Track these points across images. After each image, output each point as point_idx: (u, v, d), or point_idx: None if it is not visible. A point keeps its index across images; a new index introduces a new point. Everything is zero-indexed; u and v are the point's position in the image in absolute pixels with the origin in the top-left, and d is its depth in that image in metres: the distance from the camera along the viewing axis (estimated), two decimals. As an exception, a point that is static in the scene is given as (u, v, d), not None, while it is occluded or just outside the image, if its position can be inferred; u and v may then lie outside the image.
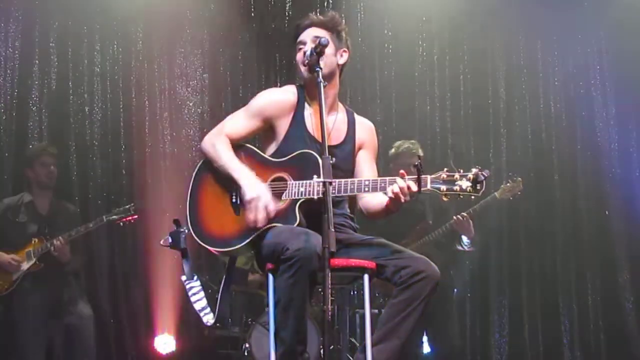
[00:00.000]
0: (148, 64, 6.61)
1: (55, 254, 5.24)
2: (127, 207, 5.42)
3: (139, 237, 6.29)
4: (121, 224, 5.49)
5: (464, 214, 5.17)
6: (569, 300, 6.33)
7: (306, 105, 3.42)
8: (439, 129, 6.65)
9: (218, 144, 3.33)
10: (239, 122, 3.42)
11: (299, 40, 3.42)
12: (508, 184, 5.27)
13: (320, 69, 3.12)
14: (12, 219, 5.36)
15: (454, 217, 5.17)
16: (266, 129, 3.42)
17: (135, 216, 5.46)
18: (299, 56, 3.37)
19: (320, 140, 3.29)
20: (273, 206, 3.13)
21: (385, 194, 3.06)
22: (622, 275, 6.26)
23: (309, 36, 3.39)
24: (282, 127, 3.37)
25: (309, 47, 3.29)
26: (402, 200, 3.02)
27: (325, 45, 3.14)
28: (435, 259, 5.13)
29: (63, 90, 6.39)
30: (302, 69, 3.31)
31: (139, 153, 6.47)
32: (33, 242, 5.26)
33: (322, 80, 3.08)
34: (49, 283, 5.34)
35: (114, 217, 5.38)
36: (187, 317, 6.15)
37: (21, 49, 6.30)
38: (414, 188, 2.99)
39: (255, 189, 3.16)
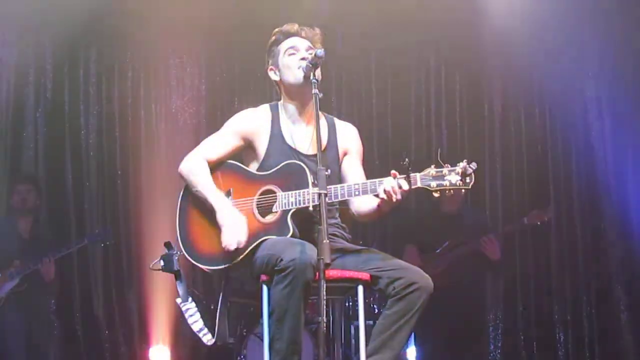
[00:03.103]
0: (144, 73, 6.62)
1: (42, 272, 5.35)
2: (107, 228, 5.55)
3: (134, 247, 6.30)
4: (102, 245, 5.63)
5: (491, 236, 5.19)
6: (563, 311, 6.33)
7: (282, 119, 3.44)
8: (434, 139, 6.65)
9: (195, 169, 3.35)
10: (217, 144, 3.44)
11: (292, 45, 3.43)
12: (539, 211, 5.29)
13: (317, 80, 3.14)
14: None
15: (482, 239, 5.19)
16: (245, 148, 3.44)
17: (112, 240, 5.73)
18: (293, 60, 3.38)
19: (301, 151, 3.35)
20: (245, 236, 3.14)
21: (377, 195, 3.06)
22: (617, 287, 6.26)
23: (302, 45, 3.41)
24: (262, 144, 3.39)
25: (304, 55, 3.33)
26: (394, 200, 3.03)
27: (322, 58, 3.17)
28: (466, 275, 5.22)
29: (58, 98, 6.41)
30: (297, 74, 3.32)
31: (134, 162, 6.47)
32: (14, 263, 5.35)
33: (318, 91, 3.11)
34: (32, 303, 5.48)
35: (95, 239, 5.50)
36: (182, 328, 6.13)
37: (17, 58, 6.32)
38: (405, 187, 2.99)
39: (229, 216, 3.18)
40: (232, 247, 3.13)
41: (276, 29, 3.53)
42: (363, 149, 3.59)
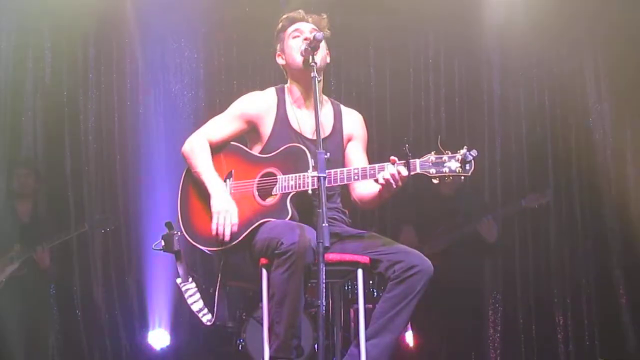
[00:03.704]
0: (142, 57, 6.58)
1: (36, 260, 5.40)
2: (106, 215, 5.56)
3: (133, 232, 6.29)
4: (102, 231, 5.69)
5: (489, 217, 5.19)
6: (563, 295, 6.33)
7: (288, 103, 3.44)
8: (434, 123, 6.63)
9: (196, 150, 3.37)
10: (221, 125, 3.45)
11: (296, 27, 3.43)
12: (537, 193, 5.30)
13: (315, 63, 3.13)
14: None
15: (482, 219, 5.20)
16: (250, 131, 3.44)
17: (113, 226, 5.77)
18: (296, 42, 3.38)
19: (306, 135, 3.35)
20: (235, 226, 3.17)
21: (377, 181, 3.05)
22: (616, 271, 6.26)
23: (307, 28, 3.41)
24: (266, 127, 3.40)
25: (307, 36, 3.35)
26: (394, 186, 3.02)
27: (320, 41, 3.17)
28: (463, 257, 5.23)
29: (57, 84, 6.38)
30: (298, 58, 3.31)
31: (133, 148, 6.46)
32: (14, 247, 5.36)
33: (316, 75, 3.10)
34: (32, 287, 5.50)
35: (95, 225, 5.55)
36: (181, 312, 6.15)
37: (15, 42, 6.29)
38: (404, 172, 2.99)
39: (223, 202, 3.20)
40: (220, 236, 3.16)
41: (283, 16, 3.53)
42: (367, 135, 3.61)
